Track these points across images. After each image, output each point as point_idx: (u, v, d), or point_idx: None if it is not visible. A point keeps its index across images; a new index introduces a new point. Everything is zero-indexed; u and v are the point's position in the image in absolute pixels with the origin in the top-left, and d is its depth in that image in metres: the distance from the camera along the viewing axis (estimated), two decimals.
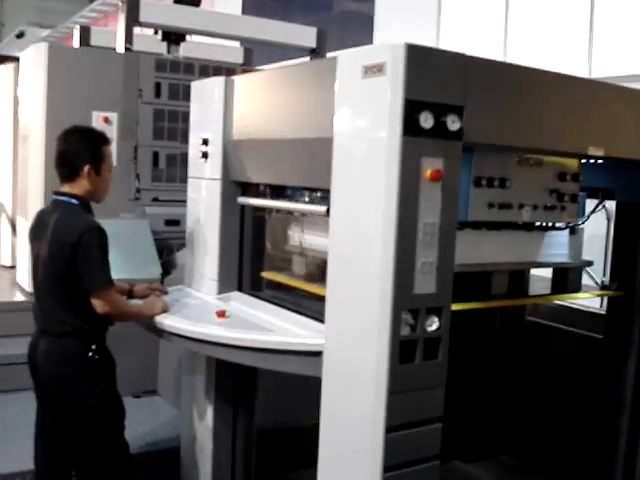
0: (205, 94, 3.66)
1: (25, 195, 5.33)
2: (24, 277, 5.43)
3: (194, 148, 3.73)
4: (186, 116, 5.48)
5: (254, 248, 3.66)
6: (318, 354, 2.77)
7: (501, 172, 3.07)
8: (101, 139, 3.24)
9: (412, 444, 2.57)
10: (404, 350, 2.49)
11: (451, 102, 2.49)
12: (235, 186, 3.55)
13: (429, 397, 2.60)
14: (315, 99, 2.89)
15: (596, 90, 3.01)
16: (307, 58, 6.53)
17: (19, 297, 5.31)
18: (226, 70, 5.64)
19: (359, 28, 10.17)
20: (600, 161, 3.51)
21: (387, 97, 2.41)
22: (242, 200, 3.50)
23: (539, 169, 3.24)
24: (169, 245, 5.05)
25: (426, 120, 2.43)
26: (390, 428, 2.49)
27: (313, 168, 2.94)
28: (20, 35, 23.52)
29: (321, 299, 3.25)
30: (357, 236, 2.56)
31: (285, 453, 4.16)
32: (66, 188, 3.19)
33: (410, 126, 2.40)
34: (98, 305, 3.08)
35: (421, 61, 2.41)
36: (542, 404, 4.57)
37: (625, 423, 3.63)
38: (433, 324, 2.55)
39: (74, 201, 3.17)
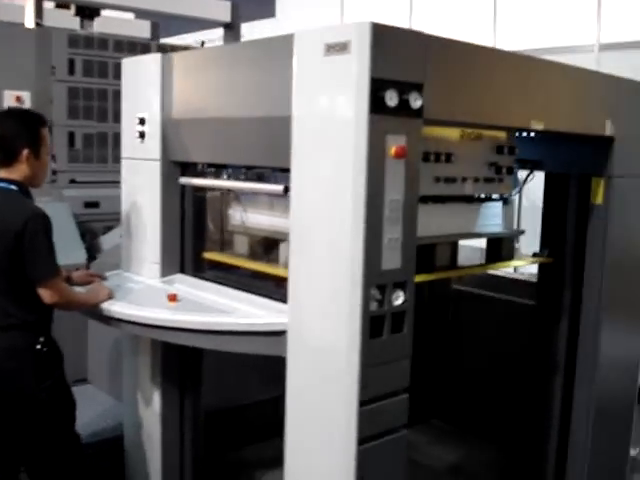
0: (139, 72, 3.54)
1: None
2: None
3: (128, 128, 3.61)
4: (102, 94, 5.38)
5: (195, 229, 3.60)
6: (281, 333, 2.77)
7: (447, 147, 3.15)
8: (39, 121, 3.09)
9: (383, 416, 2.62)
10: (373, 325, 2.53)
11: (413, 80, 2.52)
12: (174, 166, 3.48)
13: (397, 369, 2.66)
14: (269, 77, 2.85)
15: (537, 66, 3.11)
16: (218, 31, 6.44)
17: None
18: (141, 46, 5.50)
19: (256, 3, 10.04)
20: (532, 134, 3.65)
21: (353, 75, 2.41)
22: (186, 181, 3.43)
23: (479, 143, 3.34)
24: (91, 229, 4.90)
25: (391, 98, 2.45)
26: (363, 402, 2.53)
27: (268, 147, 2.92)
28: None
29: (267, 277, 3.28)
30: (323, 215, 2.56)
31: (229, 432, 4.15)
32: (3, 174, 3.03)
33: (376, 104, 2.42)
34: (46, 295, 2.95)
35: (385, 39, 2.42)
36: (471, 368, 4.75)
37: (559, 384, 3.83)
38: (399, 298, 2.61)
39: (13, 187, 3.01)
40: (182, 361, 3.63)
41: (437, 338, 4.94)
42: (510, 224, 3.79)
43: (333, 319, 2.55)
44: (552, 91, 3.17)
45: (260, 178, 3.26)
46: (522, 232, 3.86)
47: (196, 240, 3.60)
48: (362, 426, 2.54)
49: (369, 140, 2.41)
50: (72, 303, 3.14)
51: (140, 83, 3.53)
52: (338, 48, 2.46)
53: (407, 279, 2.63)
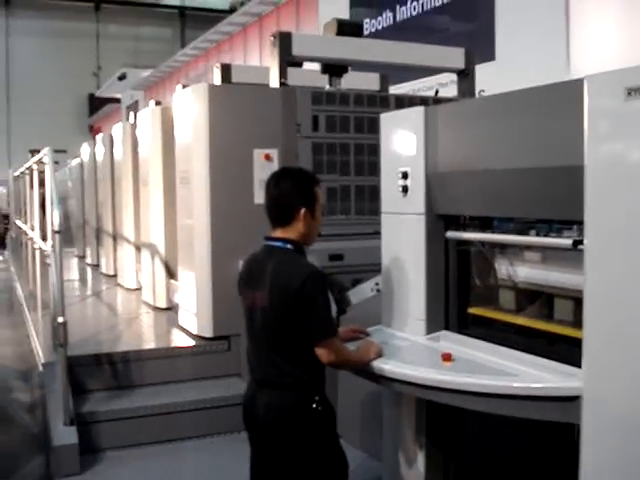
0: (400, 126, 3.52)
1: (189, 238, 5.31)
2: (188, 320, 5.41)
3: (388, 182, 3.60)
4: (344, 148, 5.47)
5: (459, 283, 3.49)
6: (573, 399, 2.57)
7: None
8: (313, 180, 3.12)
9: None
10: None
11: None
12: (438, 220, 3.40)
13: None
14: (552, 125, 2.71)
15: None
16: (434, 78, 6.39)
17: (191, 341, 5.28)
18: (380, 99, 5.55)
19: (474, 46, 9.99)
20: None
21: None
22: (455, 235, 3.34)
23: None
24: (339, 282, 4.92)
25: None
26: None
27: (550, 198, 2.76)
28: (122, 77, 24.34)
29: (537, 334, 3.08)
30: (629, 272, 2.35)
31: None
32: (279, 233, 3.07)
33: None
34: (323, 354, 2.93)
35: None
36: None
37: None
38: None
39: (289, 246, 3.04)
40: (446, 420, 3.50)
41: None
42: None
43: None
44: None
45: (525, 230, 3.10)
46: None
47: (460, 295, 3.49)
48: None
49: None
50: (347, 362, 3.10)
51: (401, 137, 3.50)
52: None
53: None
